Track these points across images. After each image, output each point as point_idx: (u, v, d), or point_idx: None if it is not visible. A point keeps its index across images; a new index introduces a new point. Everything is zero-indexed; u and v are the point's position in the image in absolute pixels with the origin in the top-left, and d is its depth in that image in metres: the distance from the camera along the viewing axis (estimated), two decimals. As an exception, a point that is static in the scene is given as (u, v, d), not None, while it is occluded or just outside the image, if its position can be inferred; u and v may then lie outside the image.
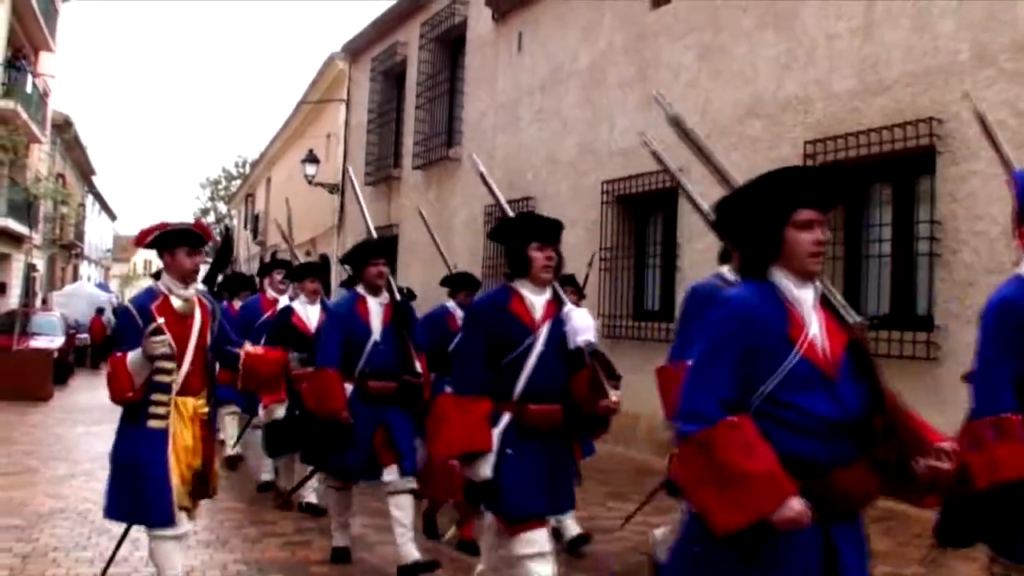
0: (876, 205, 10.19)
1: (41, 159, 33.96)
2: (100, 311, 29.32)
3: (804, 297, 3.16)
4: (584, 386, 4.84)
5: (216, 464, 5.65)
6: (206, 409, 5.44)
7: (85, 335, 27.89)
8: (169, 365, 5.18)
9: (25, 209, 30.01)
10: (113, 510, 5.35)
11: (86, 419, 15.30)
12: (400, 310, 6.73)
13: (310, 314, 8.60)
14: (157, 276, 5.70)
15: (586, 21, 14.81)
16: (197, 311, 5.43)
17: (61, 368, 20.79)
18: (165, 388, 5.22)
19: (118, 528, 7.55)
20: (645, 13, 13.45)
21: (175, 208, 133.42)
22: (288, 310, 8.75)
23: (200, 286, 5.87)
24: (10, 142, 26.31)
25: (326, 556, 6.94)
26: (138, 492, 5.14)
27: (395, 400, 6.60)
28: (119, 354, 5.16)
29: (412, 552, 6.36)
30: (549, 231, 5.04)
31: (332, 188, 24.87)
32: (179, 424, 5.26)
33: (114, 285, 63.09)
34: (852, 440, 3.11)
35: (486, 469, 4.70)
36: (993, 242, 8.48)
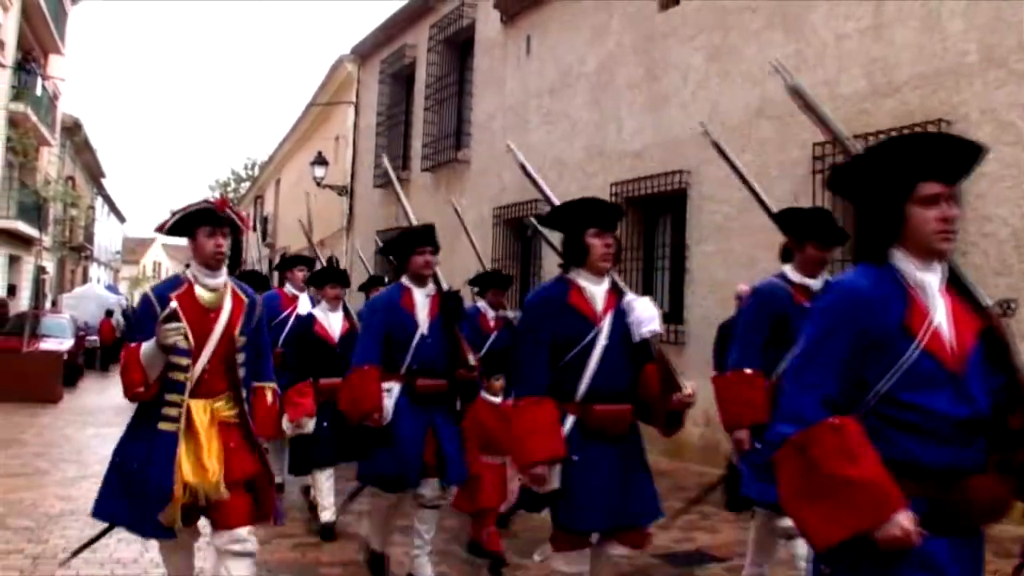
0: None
1: (51, 162, 34.11)
2: (109, 313, 29.40)
3: (928, 280, 2.80)
4: (653, 381, 4.54)
5: (267, 482, 4.89)
6: (230, 413, 4.77)
7: (95, 337, 27.94)
8: (183, 361, 4.60)
9: (35, 211, 30.18)
10: (103, 510, 4.76)
11: (96, 421, 15.35)
12: (448, 302, 6.18)
13: (332, 322, 8.21)
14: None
15: (594, 23, 14.81)
16: (227, 303, 4.79)
17: (71, 370, 20.83)
18: (179, 387, 4.62)
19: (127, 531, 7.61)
20: (653, 15, 13.45)
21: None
22: (310, 319, 8.25)
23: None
24: (20, 145, 26.46)
25: (335, 558, 6.95)
26: (136, 498, 4.56)
27: (445, 400, 6.20)
28: (133, 345, 4.60)
29: (427, 570, 6.14)
30: (608, 216, 4.70)
31: (341, 190, 24.89)
32: (196, 426, 4.62)
33: (123, 287, 63.27)
34: (981, 442, 2.76)
35: (555, 478, 4.37)
36: (1002, 244, 8.47)
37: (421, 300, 6.11)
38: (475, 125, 18.59)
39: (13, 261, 32.04)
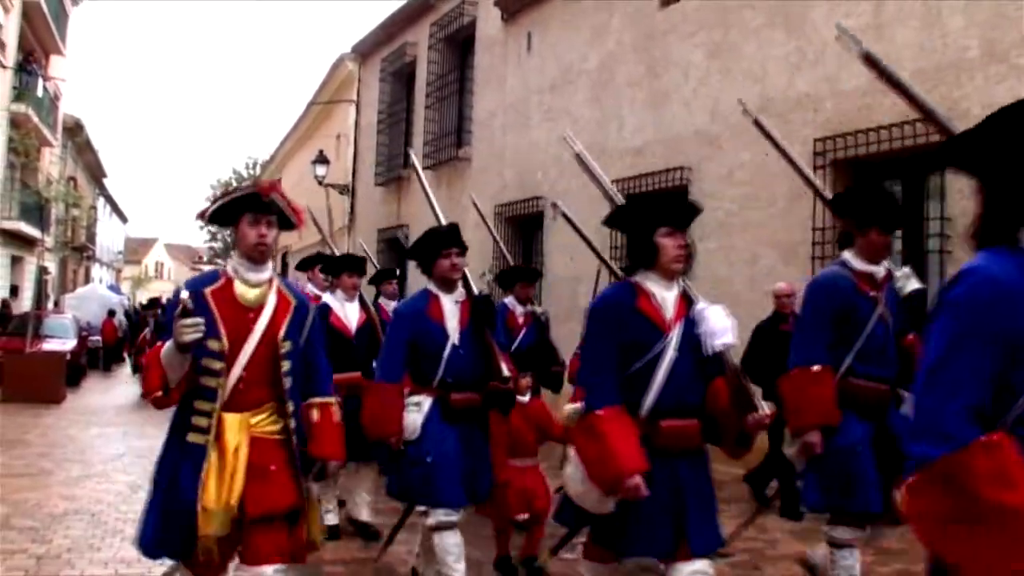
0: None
1: (52, 162, 34.12)
2: (112, 313, 29.39)
3: None
4: (723, 398, 4.19)
5: (310, 509, 4.37)
6: (273, 428, 4.21)
7: (97, 337, 27.94)
8: (215, 365, 4.07)
9: (37, 212, 30.16)
10: (145, 539, 4.18)
11: (99, 421, 15.36)
12: (479, 308, 5.69)
13: (348, 312, 7.83)
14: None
15: (595, 21, 14.82)
16: (270, 302, 4.22)
17: (74, 370, 20.82)
18: (210, 395, 4.08)
19: (132, 529, 7.62)
20: (654, 12, 13.45)
21: (185, 209, 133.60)
22: (325, 309, 7.55)
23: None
24: (22, 146, 26.44)
25: (339, 557, 6.95)
26: (167, 518, 4.08)
27: (478, 414, 5.64)
28: (157, 346, 4.12)
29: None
30: (682, 214, 4.27)
31: (342, 189, 24.90)
32: (226, 443, 4.07)
33: (126, 287, 63.17)
34: None
35: (611, 500, 3.99)
36: (1004, 239, 8.46)
37: (450, 307, 5.61)
38: (476, 123, 18.61)
39: (15, 262, 32.08)
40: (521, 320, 8.56)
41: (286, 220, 4.32)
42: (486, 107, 18.19)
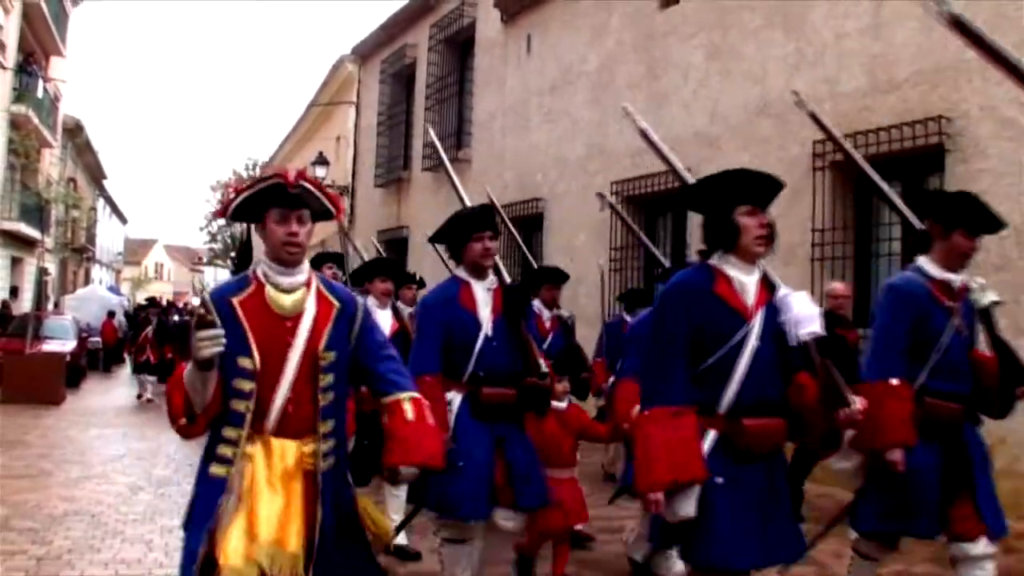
0: (886, 204, 10.18)
1: (52, 163, 34.16)
2: (112, 314, 29.40)
3: None
4: (810, 392, 3.82)
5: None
6: (320, 462, 3.58)
7: (97, 339, 27.96)
8: (245, 385, 3.51)
9: (37, 213, 30.22)
10: None
11: (98, 422, 15.36)
12: (512, 297, 5.20)
13: (380, 320, 6.77)
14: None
15: (594, 22, 14.83)
16: (309, 310, 3.64)
17: (73, 372, 20.82)
18: (237, 420, 3.51)
19: (132, 530, 7.65)
20: (653, 13, 13.46)
21: (185, 210, 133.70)
22: None
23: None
24: (22, 147, 26.50)
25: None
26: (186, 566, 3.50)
27: (513, 411, 5.14)
28: (180, 367, 3.61)
29: None
30: (764, 191, 3.91)
31: (342, 190, 24.91)
32: (260, 476, 3.50)
33: (125, 288, 63.20)
34: None
35: (690, 505, 3.63)
36: (1003, 240, 8.46)
37: (483, 295, 5.14)
38: (476, 124, 18.62)
39: (15, 263, 32.11)
40: (548, 325, 8.30)
41: (320, 210, 3.72)
42: (486, 108, 18.20)
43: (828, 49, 10.46)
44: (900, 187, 9.94)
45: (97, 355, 27.83)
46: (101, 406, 18.31)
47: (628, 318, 9.20)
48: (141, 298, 34.36)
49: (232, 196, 3.70)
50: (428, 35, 20.42)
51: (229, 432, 3.52)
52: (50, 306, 32.05)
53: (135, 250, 80.00)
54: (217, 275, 54.64)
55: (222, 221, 63.02)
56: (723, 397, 3.72)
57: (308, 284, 3.71)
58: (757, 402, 3.73)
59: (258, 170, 55.00)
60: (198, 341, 3.32)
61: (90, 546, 7.16)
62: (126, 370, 25.78)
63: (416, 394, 3.83)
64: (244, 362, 3.51)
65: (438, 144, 7.72)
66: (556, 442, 5.89)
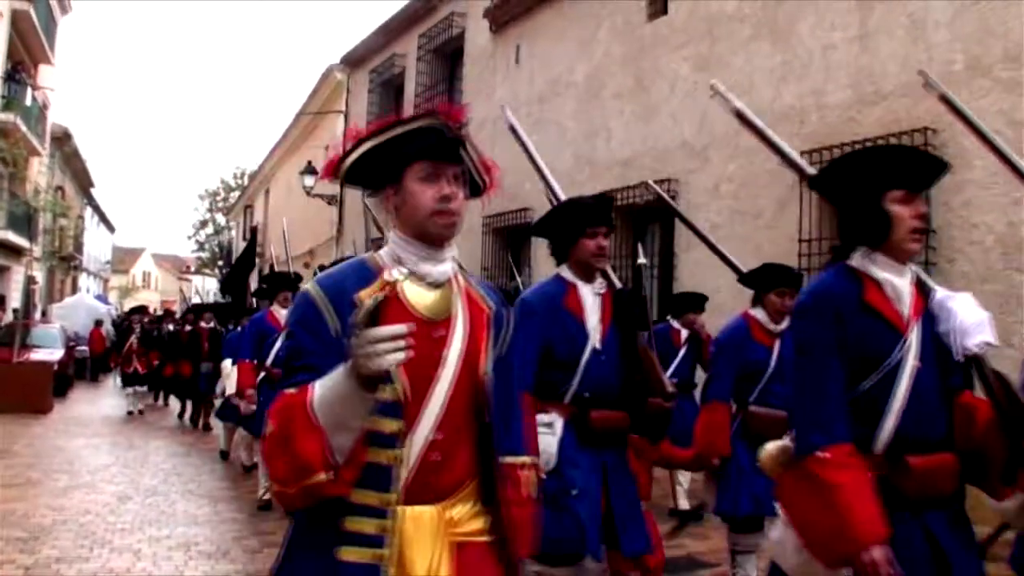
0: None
1: (40, 172, 33.99)
2: (99, 323, 29.34)
3: None
4: (979, 418, 3.03)
5: None
6: (480, 523, 2.58)
7: (84, 347, 27.94)
8: (391, 425, 2.43)
9: (25, 222, 30.12)
10: None
11: (86, 431, 15.35)
12: (626, 304, 4.46)
13: None
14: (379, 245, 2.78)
15: (583, 33, 14.90)
16: (459, 312, 2.61)
17: (61, 380, 20.81)
18: (381, 477, 2.42)
19: (120, 540, 7.65)
20: (642, 25, 13.53)
21: (173, 219, 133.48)
22: None
23: (392, 273, 2.50)
24: (10, 155, 26.39)
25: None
26: None
27: (620, 438, 4.45)
28: (288, 394, 2.35)
29: None
30: (922, 172, 3.16)
31: (330, 199, 24.92)
32: (414, 554, 2.42)
33: (113, 297, 63.02)
34: None
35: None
36: (988, 251, 8.54)
37: (591, 301, 4.42)
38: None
39: (3, 271, 31.99)
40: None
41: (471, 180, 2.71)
42: (474, 118, 18.23)
43: (815, 60, 10.52)
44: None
45: (85, 364, 27.81)
46: (89, 415, 18.29)
47: (676, 323, 9.13)
48: (128, 307, 34.29)
49: (354, 145, 2.64)
50: (417, 44, 20.47)
51: (367, 497, 2.41)
52: (38, 315, 31.97)
53: (123, 259, 79.73)
54: (205, 284, 54.46)
55: (211, 230, 63.63)
56: (880, 432, 2.95)
57: (456, 276, 2.71)
58: (921, 436, 2.96)
59: (246, 179, 54.75)
60: (370, 343, 2.16)
61: (78, 555, 7.16)
62: (114, 379, 25.73)
63: (528, 459, 2.90)
64: (384, 391, 2.36)
65: (510, 117, 7.52)
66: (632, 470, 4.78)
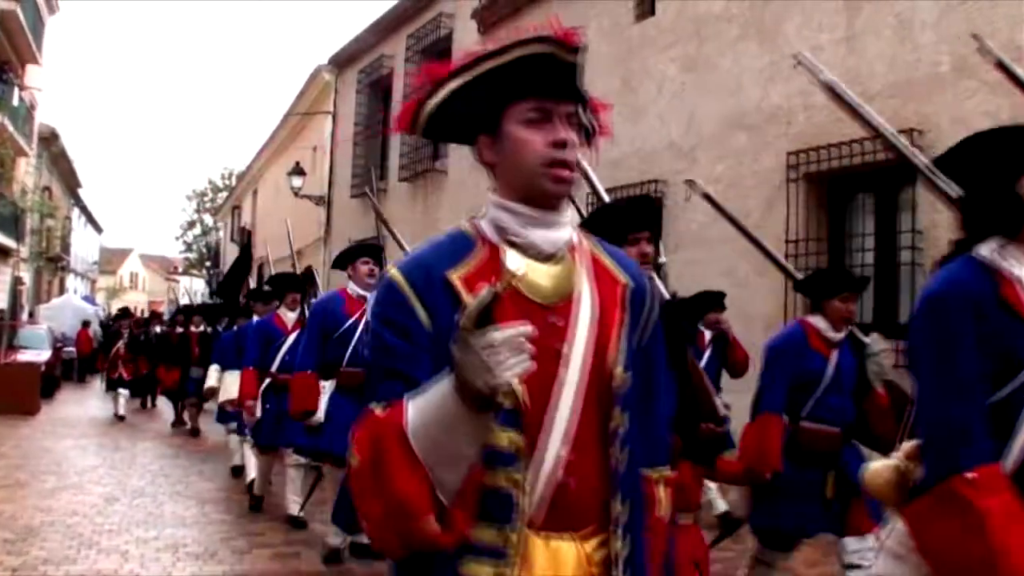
0: (859, 215, 10.29)
1: (28, 172, 33.93)
2: (86, 324, 29.28)
3: None
4: None
5: None
6: (618, 572, 2.03)
7: (71, 348, 27.88)
8: (510, 438, 1.92)
9: (12, 222, 30.06)
10: None
11: (73, 432, 15.33)
12: (674, 315, 3.88)
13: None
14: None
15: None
16: (585, 289, 2.07)
17: (48, 382, 20.78)
18: (500, 506, 1.92)
19: (107, 541, 7.64)
20: (629, 26, 13.55)
21: (161, 219, 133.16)
22: None
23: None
24: (-3, 156, 26.36)
25: (315, 567, 6.96)
26: None
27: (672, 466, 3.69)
28: (376, 415, 1.86)
29: None
30: None
31: (318, 200, 24.90)
32: None
33: (100, 298, 62.82)
34: None
35: None
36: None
37: None
38: (453, 135, 18.64)
39: (-10, 272, 31.93)
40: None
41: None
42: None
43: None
44: (873, 199, 10.06)
45: (72, 365, 27.75)
46: (76, 416, 18.27)
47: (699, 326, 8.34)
48: (116, 308, 34.21)
49: (436, 85, 2.15)
50: (405, 45, 20.44)
51: (487, 534, 1.91)
52: (25, 316, 31.89)
53: (110, 259, 79.50)
54: (193, 285, 54.35)
55: (198, 231, 63.45)
56: (1011, 449, 2.47)
57: (573, 244, 2.16)
58: None
59: (234, 179, 54.58)
60: (486, 350, 1.69)
61: (66, 556, 7.16)
62: (100, 382, 25.69)
63: (668, 472, 2.30)
64: (500, 406, 1.82)
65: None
66: (680, 481, 4.17)
